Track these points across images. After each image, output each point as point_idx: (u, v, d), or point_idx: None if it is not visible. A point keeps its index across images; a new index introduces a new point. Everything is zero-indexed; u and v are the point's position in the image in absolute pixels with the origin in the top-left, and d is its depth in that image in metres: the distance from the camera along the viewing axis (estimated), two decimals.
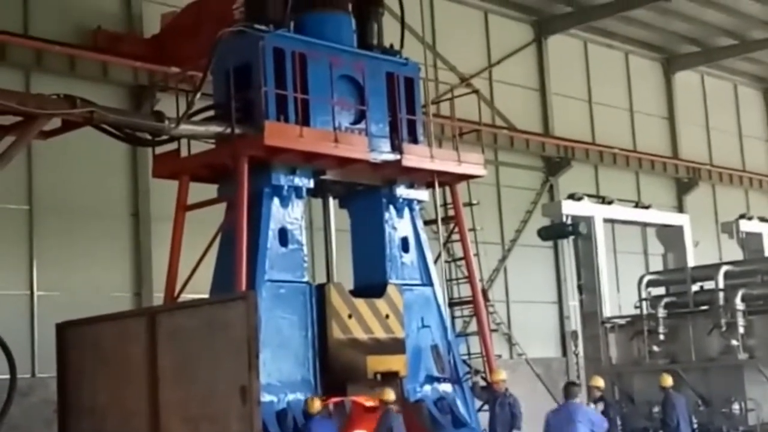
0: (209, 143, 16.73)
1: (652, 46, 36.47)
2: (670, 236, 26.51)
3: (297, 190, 16.52)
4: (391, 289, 17.26)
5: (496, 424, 17.63)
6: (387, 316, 17.01)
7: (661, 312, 22.41)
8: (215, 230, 16.49)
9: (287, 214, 16.42)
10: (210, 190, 17.08)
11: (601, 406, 18.73)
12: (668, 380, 19.64)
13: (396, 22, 19.11)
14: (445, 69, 28.77)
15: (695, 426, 21.05)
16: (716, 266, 23.22)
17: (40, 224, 20.83)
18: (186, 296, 16.58)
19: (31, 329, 20.38)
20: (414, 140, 17.92)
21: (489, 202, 28.31)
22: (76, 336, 16.01)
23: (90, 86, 20.49)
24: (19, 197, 20.70)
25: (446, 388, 17.80)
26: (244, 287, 15.18)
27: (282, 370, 15.66)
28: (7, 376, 14.84)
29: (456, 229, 19.36)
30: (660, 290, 24.05)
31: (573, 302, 28.56)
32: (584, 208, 24.03)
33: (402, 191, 17.89)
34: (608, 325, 23.45)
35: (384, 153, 17.28)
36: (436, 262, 18.67)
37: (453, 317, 19.72)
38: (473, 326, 20.34)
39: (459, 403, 17.81)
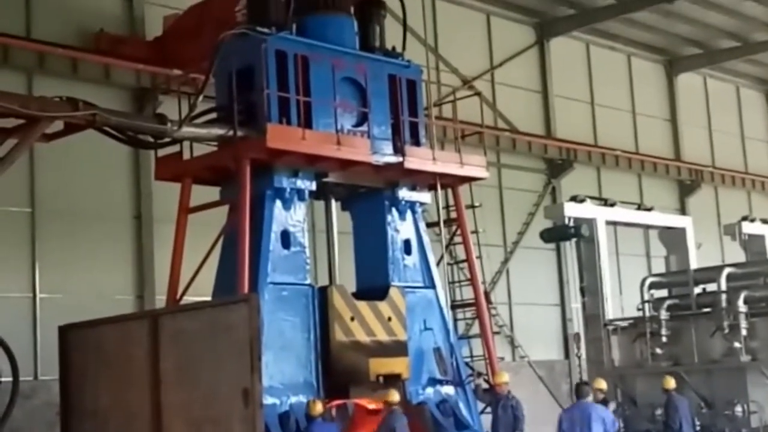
0: (211, 146, 16.74)
1: (654, 48, 36.45)
2: (673, 238, 26.51)
3: (299, 193, 16.52)
4: (393, 292, 17.26)
5: (499, 427, 17.61)
6: (389, 319, 17.01)
7: (664, 314, 22.43)
8: (218, 233, 16.50)
9: (289, 217, 16.43)
10: (212, 193, 17.08)
11: (612, 405, 18.79)
12: (671, 382, 19.63)
13: (398, 25, 19.12)
14: (447, 71, 28.77)
15: (698, 428, 21.04)
16: (719, 268, 23.20)
17: (43, 227, 20.83)
18: (188, 299, 16.59)
19: (34, 332, 20.38)
20: (416, 142, 17.93)
21: (491, 205, 28.27)
22: (79, 338, 16.01)
23: (92, 89, 20.48)
24: (22, 200, 20.70)
25: (449, 390, 17.80)
26: (246, 290, 15.19)
27: (284, 372, 15.67)
28: (10, 379, 14.86)
29: (458, 232, 19.36)
30: (662, 292, 24.04)
31: (575, 304, 28.55)
32: (586, 210, 24.03)
33: (404, 193, 17.89)
34: (611, 328, 23.46)
35: (386, 155, 17.28)
36: (438, 264, 18.67)
37: (455, 319, 19.75)
38: (476, 328, 20.34)
39: (461, 405, 17.81)
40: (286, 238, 16.30)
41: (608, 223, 24.73)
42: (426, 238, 18.24)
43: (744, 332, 21.16)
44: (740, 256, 27.64)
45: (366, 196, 17.95)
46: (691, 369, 21.94)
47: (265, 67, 16.03)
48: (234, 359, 13.13)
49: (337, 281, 17.45)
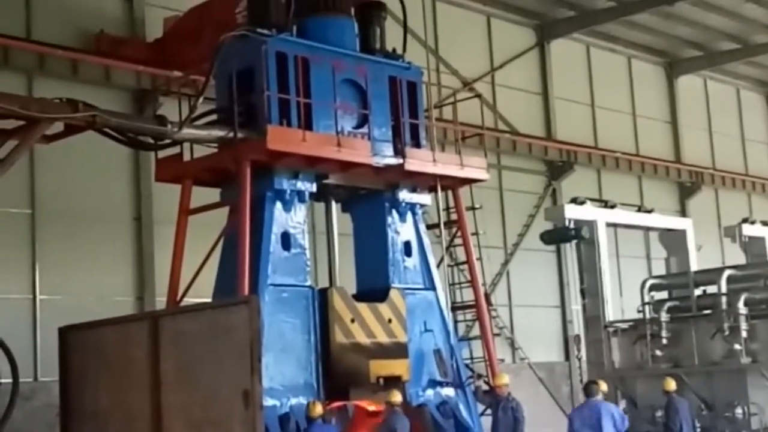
0: (212, 147, 16.74)
1: (654, 51, 36.46)
2: (673, 240, 26.51)
3: (300, 194, 16.51)
4: (393, 294, 17.25)
5: (499, 428, 17.59)
6: (390, 321, 17.00)
7: (664, 316, 22.42)
8: (218, 234, 16.49)
9: (290, 218, 16.42)
10: (213, 194, 17.08)
11: (622, 404, 18.82)
12: (671, 384, 19.62)
13: (398, 26, 19.12)
14: (447, 73, 28.77)
15: (698, 430, 21.06)
16: (719, 270, 23.21)
17: (43, 228, 20.82)
18: (188, 300, 16.59)
19: (34, 333, 20.37)
20: (417, 144, 17.92)
21: (492, 206, 28.26)
22: (79, 340, 16.01)
23: (92, 90, 20.49)
24: (22, 201, 20.69)
25: (449, 392, 17.79)
26: (246, 291, 15.19)
27: (285, 374, 15.66)
28: (10, 380, 14.86)
29: (458, 233, 19.35)
30: (663, 294, 24.03)
31: (576, 306, 28.53)
32: (587, 212, 24.04)
33: (405, 195, 17.88)
34: (611, 329, 23.46)
35: (387, 157, 17.28)
36: (438, 266, 18.66)
37: (456, 321, 19.74)
38: (476, 330, 20.33)
39: (461, 407, 17.81)
40: (286, 239, 16.30)
41: (608, 225, 24.72)
42: (426, 240, 18.23)
43: (744, 334, 21.18)
44: (740, 258, 27.65)
45: (366, 197, 17.94)
46: (692, 371, 21.94)
47: (265, 68, 16.02)
48: (234, 361, 13.12)
49: (337, 283, 17.44)
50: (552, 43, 32.47)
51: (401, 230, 17.89)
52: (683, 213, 34.90)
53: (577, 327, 27.29)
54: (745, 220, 27.96)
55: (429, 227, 18.94)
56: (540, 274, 30.77)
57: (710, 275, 23.17)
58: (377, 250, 17.71)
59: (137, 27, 22.88)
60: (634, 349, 22.97)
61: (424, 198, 18.32)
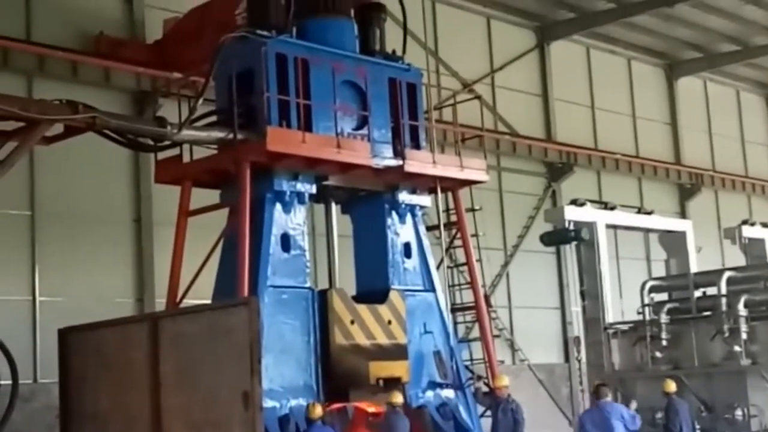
0: (211, 149, 16.73)
1: (654, 52, 36.46)
2: (673, 242, 26.49)
3: (299, 196, 16.51)
4: (393, 295, 17.25)
5: (499, 430, 17.60)
6: (389, 322, 17.00)
7: (664, 318, 22.40)
8: (217, 236, 16.49)
9: (289, 220, 16.43)
10: (212, 196, 17.08)
11: (634, 404, 18.87)
12: (672, 386, 19.62)
13: (398, 28, 19.13)
14: (447, 75, 28.77)
15: None
16: (719, 272, 23.20)
17: (42, 230, 20.82)
18: (188, 302, 16.58)
19: (33, 335, 20.37)
20: (416, 146, 17.92)
21: (491, 208, 28.27)
22: (79, 341, 16.00)
23: (92, 92, 20.50)
24: (22, 203, 20.69)
25: (449, 393, 17.79)
26: (246, 293, 15.19)
27: (284, 375, 15.66)
28: (9, 382, 14.84)
29: (458, 235, 19.35)
30: (663, 296, 24.02)
31: (575, 308, 28.51)
32: (587, 213, 24.02)
33: (404, 197, 17.88)
34: (611, 331, 23.45)
35: (386, 159, 17.28)
36: (438, 267, 18.66)
37: (455, 323, 19.75)
38: (476, 332, 20.35)
39: (461, 409, 17.80)
40: (286, 241, 16.30)
41: (608, 226, 24.70)
42: (426, 242, 18.23)
43: (744, 336, 21.16)
44: (740, 260, 27.64)
45: (366, 199, 17.94)
46: (692, 372, 21.92)
47: (265, 70, 16.03)
48: (234, 362, 13.12)
49: (337, 284, 17.44)
50: (552, 44, 32.47)
51: (401, 232, 17.89)
52: (683, 215, 34.88)
53: (577, 329, 27.25)
54: (744, 222, 27.94)
55: (429, 229, 18.94)
56: (540, 275, 30.76)
57: (710, 277, 23.16)
58: (377, 251, 17.71)
59: (137, 28, 22.88)
60: (634, 351, 22.95)
61: (424, 199, 18.32)
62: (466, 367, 18.65)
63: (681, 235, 26.39)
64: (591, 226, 23.77)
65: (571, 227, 23.52)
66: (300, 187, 16.48)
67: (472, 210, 20.24)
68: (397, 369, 16.82)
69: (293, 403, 15.63)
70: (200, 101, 16.07)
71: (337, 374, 16.25)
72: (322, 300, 16.43)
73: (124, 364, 14.91)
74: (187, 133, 15.71)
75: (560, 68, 32.62)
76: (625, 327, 23.61)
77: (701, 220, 33.39)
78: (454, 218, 19.30)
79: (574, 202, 24.15)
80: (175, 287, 16.83)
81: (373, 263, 17.75)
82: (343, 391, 16.39)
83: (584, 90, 33.82)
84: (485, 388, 18.28)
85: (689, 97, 37.76)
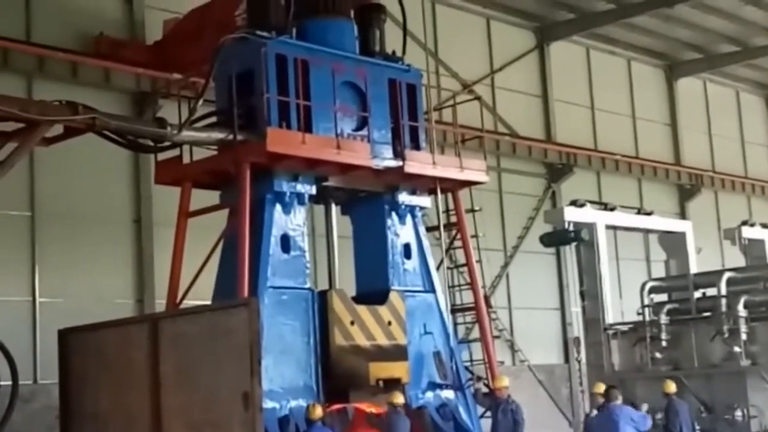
0: (211, 150, 16.73)
1: (654, 53, 36.47)
2: (673, 243, 26.50)
3: (299, 197, 16.51)
4: (393, 296, 17.25)
5: (499, 431, 17.61)
6: (389, 323, 17.00)
7: (664, 318, 22.40)
8: (217, 237, 16.49)
9: (289, 221, 16.43)
10: (212, 197, 17.09)
11: (645, 406, 18.90)
12: (672, 387, 19.63)
13: (398, 29, 19.13)
14: (447, 75, 28.77)
15: None
16: (719, 273, 23.19)
17: (43, 230, 20.82)
18: (188, 303, 16.58)
19: (33, 335, 20.37)
20: (416, 147, 17.92)
21: (491, 209, 28.29)
22: (79, 342, 16.00)
23: (92, 93, 20.50)
24: (22, 203, 20.70)
25: (448, 394, 17.78)
26: (246, 294, 15.18)
27: (284, 376, 15.66)
28: (9, 382, 14.84)
29: (458, 236, 19.35)
30: (662, 297, 24.02)
31: (575, 309, 28.52)
32: (586, 214, 24.02)
33: (404, 198, 17.88)
34: (611, 332, 23.45)
35: (386, 159, 17.29)
36: (438, 268, 18.66)
37: (455, 324, 19.74)
38: (475, 333, 20.35)
39: (461, 409, 17.80)
40: (286, 242, 16.30)
41: (608, 227, 24.71)
42: (426, 243, 18.23)
43: (744, 337, 21.15)
44: (740, 261, 27.64)
45: (366, 200, 17.94)
46: (691, 373, 21.92)
47: (265, 71, 16.03)
48: (234, 363, 13.13)
49: (336, 285, 17.44)
50: (552, 45, 32.48)
51: (401, 233, 17.89)
52: (683, 215, 34.87)
53: (577, 329, 27.27)
54: (744, 223, 27.94)
55: (428, 230, 18.95)
56: (539, 276, 30.76)
57: (710, 278, 23.16)
58: (377, 252, 17.71)
59: (137, 29, 22.89)
60: (634, 352, 22.94)
61: (424, 200, 18.32)
62: (466, 367, 18.66)
63: (681, 236, 26.39)
64: (591, 227, 23.78)
65: (571, 228, 23.52)
66: (300, 188, 16.48)
67: (472, 211, 20.24)
68: (397, 370, 16.82)
69: (293, 403, 15.63)
70: (200, 102, 16.08)
71: (337, 375, 16.25)
72: (322, 301, 16.43)
73: (124, 365, 14.91)
74: (187, 134, 15.71)
75: (560, 69, 32.63)
76: (624, 328, 23.62)
77: (701, 220, 33.39)
78: (454, 219, 19.30)
79: (573, 203, 24.16)
80: (175, 288, 16.83)
81: (373, 264, 17.75)
82: (343, 392, 16.39)
83: (584, 91, 33.83)
84: (485, 389, 18.29)
85: (689, 98, 37.77)
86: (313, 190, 16.74)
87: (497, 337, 24.67)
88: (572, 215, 23.71)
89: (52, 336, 16.47)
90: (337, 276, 17.69)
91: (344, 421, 17.06)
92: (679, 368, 22.16)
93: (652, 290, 23.72)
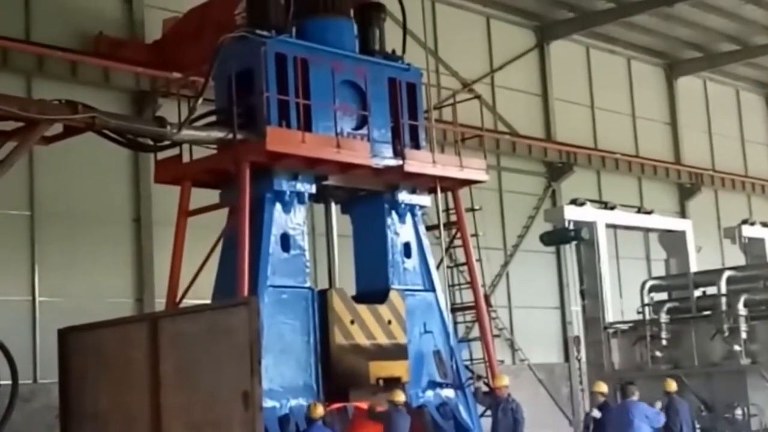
0: (211, 149, 16.72)
1: (654, 52, 36.46)
2: (673, 241, 26.50)
3: (299, 196, 16.50)
4: (393, 295, 17.24)
5: (499, 430, 17.60)
6: (389, 322, 16.99)
7: (664, 317, 22.41)
8: (217, 236, 16.48)
9: (289, 220, 16.41)
10: (212, 196, 17.07)
11: (659, 404, 18.94)
12: (672, 385, 19.62)
13: (398, 28, 19.11)
14: (447, 74, 28.76)
15: (698, 431, 21.02)
16: (719, 271, 23.21)
17: (42, 230, 20.81)
18: (188, 302, 16.58)
19: (33, 335, 20.36)
20: (416, 146, 17.91)
21: (491, 208, 28.27)
22: (78, 342, 16.00)
23: (92, 92, 20.49)
24: (21, 203, 20.69)
25: (449, 393, 17.78)
26: (246, 293, 15.17)
27: (284, 375, 15.65)
28: (9, 382, 14.84)
29: (458, 235, 19.34)
30: (662, 295, 24.02)
31: (575, 307, 28.51)
32: (586, 213, 24.02)
33: (404, 197, 17.87)
34: (611, 331, 23.45)
35: (386, 158, 17.27)
36: (438, 267, 18.66)
37: (455, 323, 19.75)
38: (475, 331, 20.35)
39: (461, 408, 17.80)
40: (285, 241, 16.29)
41: (608, 226, 24.71)
42: (426, 241, 18.22)
43: (744, 335, 21.18)
44: (740, 260, 27.65)
45: (366, 199, 17.93)
46: (691, 372, 21.93)
47: (264, 70, 16.02)
48: (234, 362, 13.13)
49: (336, 284, 17.44)
50: (552, 44, 32.47)
51: (401, 231, 17.88)
52: (683, 214, 34.88)
53: (577, 328, 27.26)
54: (744, 222, 27.96)
55: (428, 228, 18.93)
56: (540, 275, 30.76)
57: (710, 276, 23.17)
58: (377, 251, 17.70)
59: (136, 28, 22.88)
60: (634, 351, 22.96)
61: (424, 199, 18.31)
62: (466, 366, 18.64)
63: (681, 235, 26.40)
64: (591, 226, 23.78)
65: (571, 227, 23.52)
66: (300, 186, 16.47)
67: (472, 210, 20.23)
68: (397, 369, 16.81)
69: (293, 403, 15.63)
70: (200, 101, 16.06)
71: (337, 374, 16.24)
72: (322, 300, 16.42)
73: (124, 364, 14.92)
74: (187, 133, 15.70)
75: (560, 68, 32.62)
76: (625, 326, 23.62)
77: (701, 219, 33.39)
78: (453, 218, 19.29)
79: (573, 202, 24.16)
80: (174, 287, 16.82)
81: (373, 263, 17.74)
82: (343, 391, 16.39)
83: (584, 90, 33.82)
84: (485, 388, 18.28)
85: (689, 97, 37.76)
86: (313, 189, 16.74)
87: (497, 336, 24.67)
88: (572, 214, 23.71)
89: (52, 335, 16.48)
90: (337, 275, 17.68)
91: (344, 420, 17.07)
92: (679, 367, 22.17)
93: (652, 289, 23.74)
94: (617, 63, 35.46)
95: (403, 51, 18.62)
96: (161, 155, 16.99)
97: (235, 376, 13.08)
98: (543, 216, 26.59)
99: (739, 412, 21.02)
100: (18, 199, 20.57)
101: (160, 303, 20.09)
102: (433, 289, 18.09)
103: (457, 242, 19.49)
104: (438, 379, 17.70)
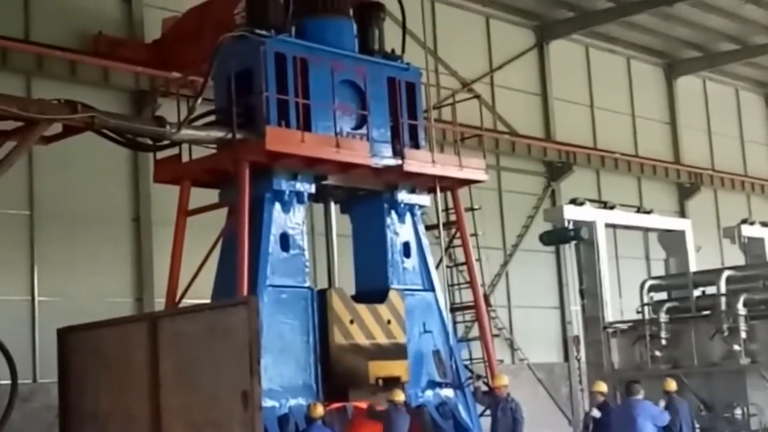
0: (210, 148, 16.72)
1: (653, 51, 36.45)
2: (672, 241, 26.48)
3: (298, 195, 16.50)
4: (392, 295, 17.24)
5: (498, 429, 17.61)
6: (389, 322, 16.99)
7: (663, 317, 22.39)
8: (216, 235, 16.48)
9: (289, 219, 16.41)
10: (211, 195, 17.07)
11: (663, 402, 18.95)
12: (672, 385, 19.60)
13: (397, 27, 19.11)
14: (446, 74, 28.76)
15: (698, 431, 21.02)
16: (718, 271, 23.21)
17: (41, 229, 20.81)
18: (187, 301, 16.57)
19: (33, 335, 20.36)
20: (415, 145, 17.91)
21: (491, 207, 28.27)
22: (78, 341, 16.00)
23: (91, 91, 20.48)
24: (20, 202, 20.68)
25: (448, 393, 17.78)
26: (245, 292, 15.17)
27: (284, 375, 15.65)
28: (9, 382, 14.84)
29: (457, 234, 19.34)
30: (662, 295, 24.01)
31: (575, 307, 28.47)
32: (586, 213, 24.00)
33: (403, 196, 17.87)
34: (610, 330, 23.43)
35: (385, 158, 17.27)
36: (437, 267, 18.65)
37: (455, 322, 19.72)
38: (475, 331, 20.33)
39: (461, 408, 17.80)
40: (285, 240, 16.28)
41: (608, 225, 24.68)
42: (425, 241, 18.22)
43: (743, 335, 21.15)
44: (740, 259, 27.65)
45: (365, 198, 17.93)
46: (691, 372, 21.92)
47: (264, 69, 16.02)
48: (233, 362, 13.13)
49: (336, 284, 17.44)
50: (551, 44, 32.46)
51: (400, 231, 17.88)
52: (682, 214, 34.87)
53: (577, 328, 27.21)
54: (744, 221, 27.95)
55: (428, 228, 18.93)
56: (539, 275, 30.75)
57: (709, 276, 23.17)
58: (376, 251, 17.70)
59: (136, 28, 22.87)
60: (634, 350, 22.94)
61: (423, 199, 18.31)
62: (466, 366, 18.64)
63: (680, 235, 26.38)
64: (590, 226, 23.76)
65: (571, 226, 23.50)
66: (299, 186, 16.47)
67: (472, 209, 20.21)
68: (397, 368, 16.81)
69: (293, 402, 15.63)
70: (199, 101, 16.05)
71: (336, 374, 16.24)
72: (322, 299, 16.42)
73: (124, 364, 14.91)
74: (186, 132, 15.70)
75: (559, 67, 32.61)
76: (624, 326, 23.61)
77: (700, 219, 33.38)
78: (453, 218, 19.28)
79: (573, 202, 24.14)
80: (174, 287, 16.82)
81: (373, 263, 17.74)
82: (343, 390, 16.39)
83: (583, 89, 33.81)
84: (484, 388, 18.28)
85: (688, 97, 37.76)
86: (313, 188, 16.74)
87: (497, 335, 24.66)
88: (572, 214, 23.69)
89: (52, 335, 16.47)
90: (337, 275, 17.68)
91: (344, 420, 17.07)
92: (678, 366, 22.16)
93: (652, 288, 23.73)
94: (617, 62, 35.46)
95: (403, 51, 18.61)
96: (160, 155, 16.99)
97: (235, 376, 13.08)
98: (542, 216, 26.57)
99: (738, 411, 21.01)
100: (17, 199, 20.56)
101: (159, 303, 20.10)
102: (432, 289, 18.09)
103: (457, 242, 19.49)
104: (437, 378, 17.70)
